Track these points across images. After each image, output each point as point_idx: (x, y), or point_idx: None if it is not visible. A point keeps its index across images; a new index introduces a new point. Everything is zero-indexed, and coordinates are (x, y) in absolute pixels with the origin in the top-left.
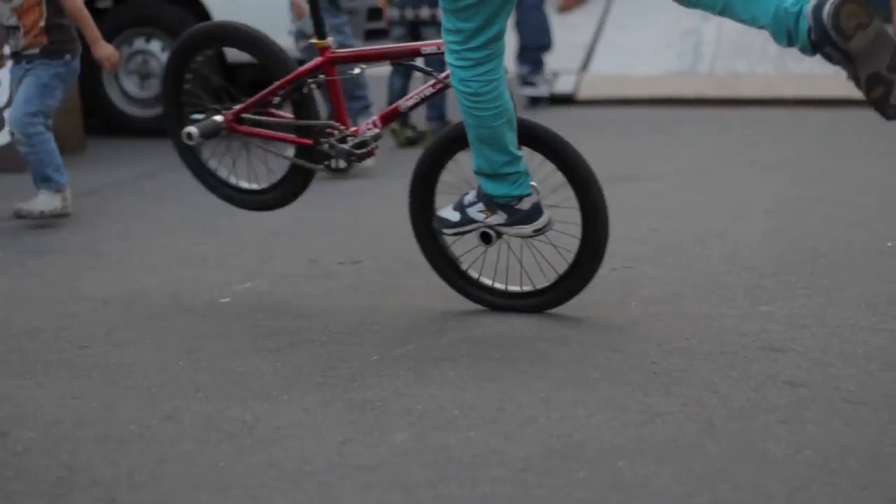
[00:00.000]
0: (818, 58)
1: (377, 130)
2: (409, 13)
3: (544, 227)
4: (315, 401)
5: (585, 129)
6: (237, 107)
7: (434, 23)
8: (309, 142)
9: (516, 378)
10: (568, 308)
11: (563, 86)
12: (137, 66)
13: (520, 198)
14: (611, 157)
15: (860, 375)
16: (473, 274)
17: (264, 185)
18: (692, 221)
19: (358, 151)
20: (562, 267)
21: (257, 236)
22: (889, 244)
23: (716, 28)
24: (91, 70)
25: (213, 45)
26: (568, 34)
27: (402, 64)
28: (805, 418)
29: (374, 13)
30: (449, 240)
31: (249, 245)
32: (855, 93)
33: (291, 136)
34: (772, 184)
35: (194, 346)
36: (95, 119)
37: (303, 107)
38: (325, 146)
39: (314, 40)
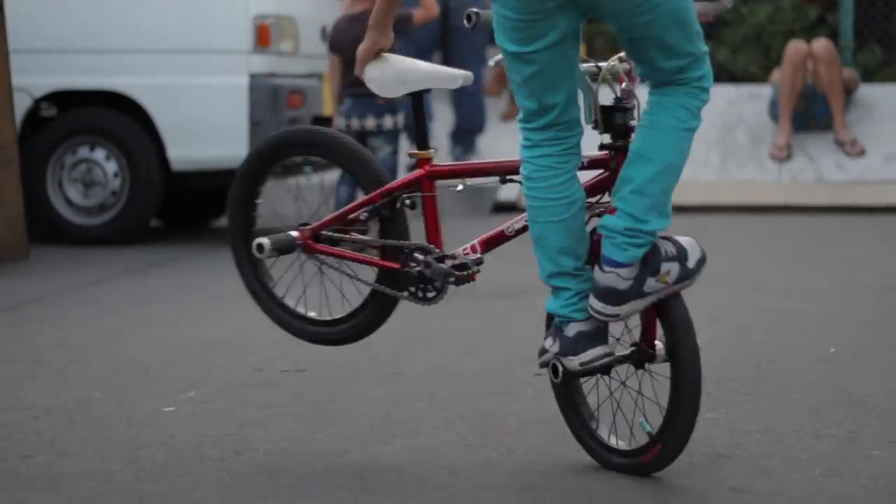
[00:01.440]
0: (759, 165)
1: (478, 255)
2: (355, 123)
3: (597, 361)
4: None
5: (528, 239)
6: (316, 223)
7: (381, 132)
8: (395, 265)
9: (461, 486)
10: (512, 417)
11: (508, 193)
12: (81, 174)
13: (567, 320)
14: None
15: (805, 481)
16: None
17: (337, 314)
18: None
19: (458, 273)
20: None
21: (200, 345)
22: (832, 350)
23: None
24: (34, 178)
25: (299, 153)
26: (512, 143)
27: (512, 180)
28: None
29: (320, 121)
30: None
31: (193, 353)
32: (795, 199)
33: (375, 259)
34: (714, 291)
35: (138, 456)
36: (39, 227)
37: (392, 225)
38: (419, 269)
39: (413, 151)
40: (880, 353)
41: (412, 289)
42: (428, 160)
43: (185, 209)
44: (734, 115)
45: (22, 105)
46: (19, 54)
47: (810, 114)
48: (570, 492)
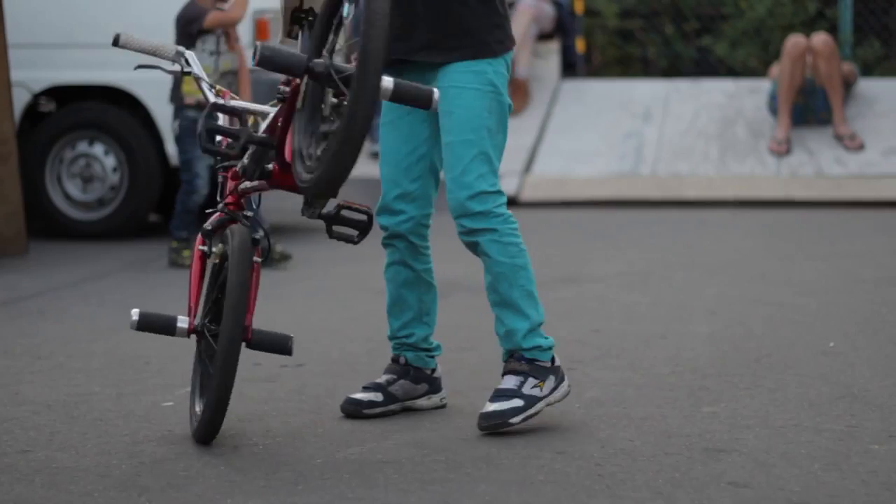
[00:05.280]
0: (759, 159)
1: None
2: None
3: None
4: None
5: (528, 231)
6: None
7: None
8: None
9: (461, 480)
10: None
11: (507, 187)
12: (80, 169)
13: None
14: (553, 258)
15: (804, 476)
16: None
17: None
18: (635, 323)
19: None
20: None
21: None
22: (831, 344)
23: (657, 130)
24: (33, 173)
25: None
26: (511, 137)
27: None
28: None
29: None
30: None
31: (191, 348)
32: (795, 194)
33: None
34: (714, 285)
35: (137, 450)
36: (38, 222)
37: None
38: None
39: None
40: (880, 347)
41: None
42: None
43: None
44: (733, 109)
45: (21, 100)
46: (18, 49)
47: (809, 108)
48: (568, 486)
